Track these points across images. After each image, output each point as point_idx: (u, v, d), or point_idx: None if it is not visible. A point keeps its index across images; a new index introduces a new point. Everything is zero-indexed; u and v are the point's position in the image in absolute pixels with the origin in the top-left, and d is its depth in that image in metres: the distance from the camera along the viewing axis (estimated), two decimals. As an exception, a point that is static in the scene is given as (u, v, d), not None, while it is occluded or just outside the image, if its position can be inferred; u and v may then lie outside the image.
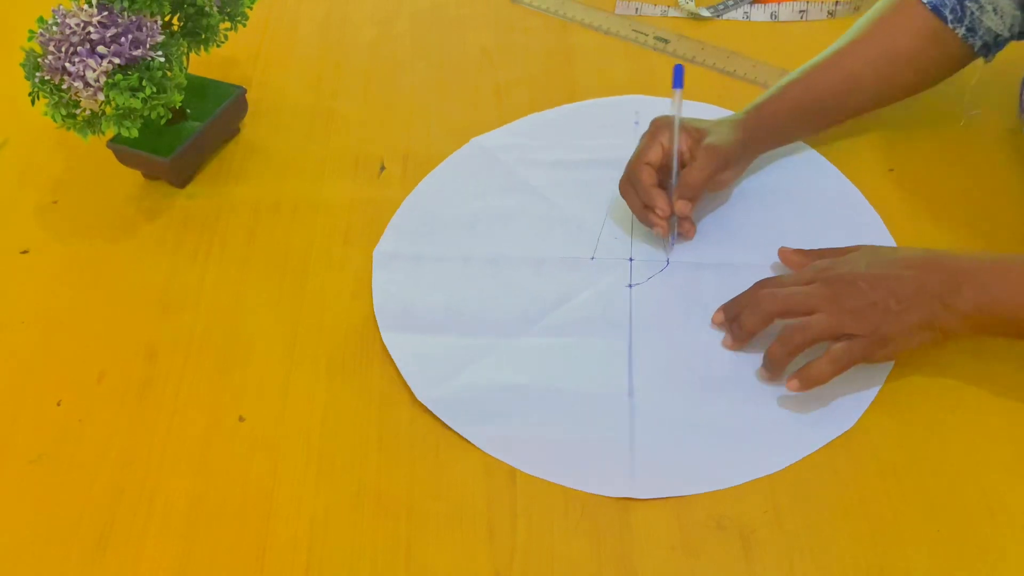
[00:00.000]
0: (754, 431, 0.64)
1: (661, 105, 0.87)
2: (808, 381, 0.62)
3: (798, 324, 0.63)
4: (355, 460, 0.64)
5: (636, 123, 0.85)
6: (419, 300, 0.73)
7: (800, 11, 0.97)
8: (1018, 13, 0.74)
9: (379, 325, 0.71)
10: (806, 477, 0.62)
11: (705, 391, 0.66)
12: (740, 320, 0.66)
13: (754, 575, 0.57)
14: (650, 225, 0.73)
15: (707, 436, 0.64)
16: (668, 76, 0.90)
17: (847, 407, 0.64)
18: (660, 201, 0.72)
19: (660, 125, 0.75)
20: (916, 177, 0.79)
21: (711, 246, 0.75)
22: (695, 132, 0.74)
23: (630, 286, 0.73)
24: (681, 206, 0.72)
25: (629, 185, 0.75)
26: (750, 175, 0.80)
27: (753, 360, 0.67)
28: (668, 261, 0.74)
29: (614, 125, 0.85)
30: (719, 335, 0.69)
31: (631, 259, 0.75)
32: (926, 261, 0.63)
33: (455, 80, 0.93)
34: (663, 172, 0.74)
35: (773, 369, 0.64)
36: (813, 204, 0.78)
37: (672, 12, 0.98)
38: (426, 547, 0.60)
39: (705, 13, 0.97)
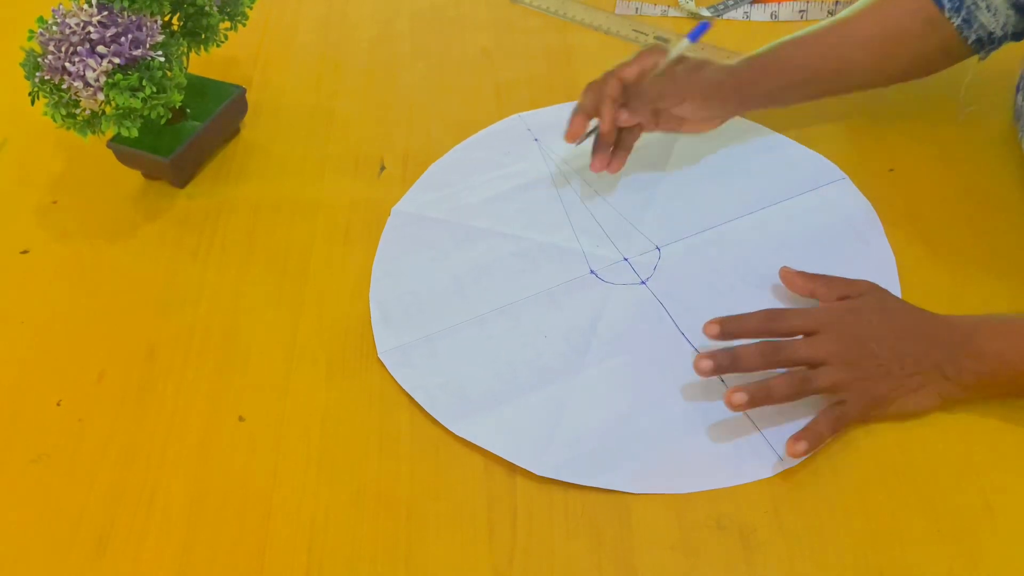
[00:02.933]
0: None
1: (543, 115, 0.87)
2: (814, 442, 0.61)
3: (812, 375, 0.62)
4: (355, 460, 0.64)
5: (535, 139, 0.85)
6: (463, 382, 0.68)
7: (800, 11, 0.97)
8: (1011, 12, 0.74)
9: (444, 424, 0.66)
10: (806, 477, 0.61)
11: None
12: (738, 357, 0.63)
13: (754, 575, 0.57)
14: (569, 122, 0.76)
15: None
16: (668, 76, 0.91)
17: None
18: (606, 111, 0.74)
19: (652, 49, 0.76)
20: (916, 177, 0.79)
21: (684, 220, 0.77)
22: (675, 64, 0.75)
23: (643, 283, 0.73)
24: (620, 113, 0.74)
25: (591, 89, 0.76)
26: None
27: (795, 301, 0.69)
28: (658, 248, 0.75)
29: (515, 147, 0.85)
30: (749, 293, 0.70)
31: (626, 259, 0.75)
32: (933, 327, 0.63)
33: (455, 80, 0.93)
34: (631, 93, 0.75)
35: (760, 401, 0.62)
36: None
37: (672, 12, 0.98)
38: (426, 547, 0.60)
39: (705, 13, 0.97)
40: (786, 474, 0.62)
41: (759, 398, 0.61)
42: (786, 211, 0.77)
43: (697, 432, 0.64)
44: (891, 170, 0.80)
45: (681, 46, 0.76)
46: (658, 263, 0.74)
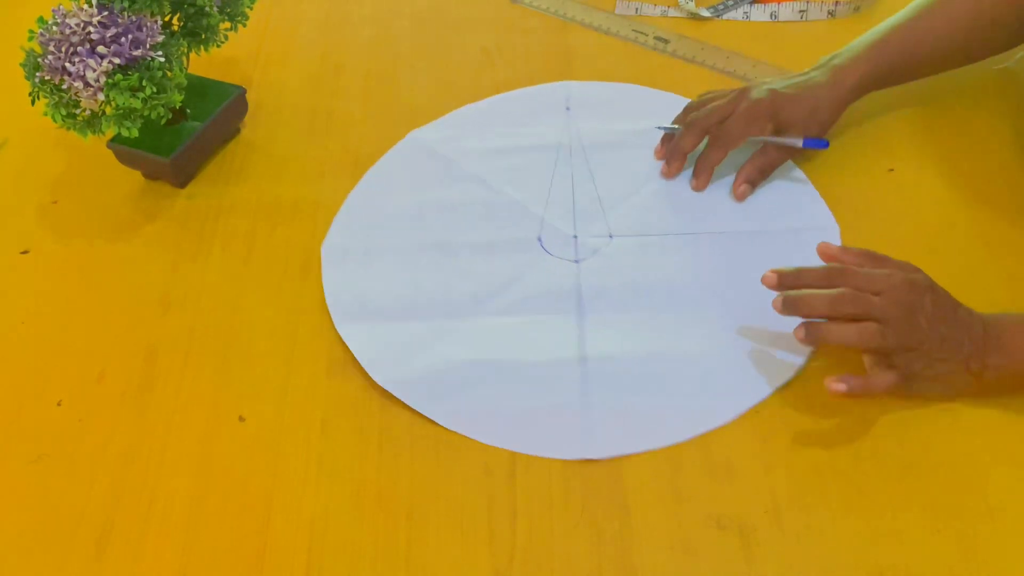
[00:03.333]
0: (705, 384, 0.67)
1: (590, 88, 0.90)
2: (858, 388, 0.62)
3: (880, 330, 0.62)
4: (355, 460, 0.64)
5: (567, 108, 0.88)
6: (371, 290, 0.74)
7: (800, 11, 0.97)
8: None
9: (332, 317, 0.72)
10: (806, 477, 0.62)
11: (654, 353, 0.69)
12: (808, 301, 0.63)
13: (754, 575, 0.57)
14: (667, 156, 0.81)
15: (659, 393, 0.66)
16: (669, 76, 0.91)
17: (792, 349, 0.67)
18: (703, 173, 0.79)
19: (758, 116, 0.78)
20: (916, 177, 0.79)
21: (652, 219, 0.78)
22: (778, 125, 0.78)
23: (576, 262, 0.75)
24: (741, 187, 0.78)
25: (693, 126, 0.79)
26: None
27: (701, 322, 0.70)
28: (611, 236, 0.76)
29: (545, 111, 0.88)
30: (666, 303, 0.72)
31: (575, 236, 0.77)
32: (967, 322, 0.63)
33: (455, 80, 0.93)
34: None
35: (802, 311, 0.63)
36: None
37: (672, 12, 0.98)
38: (426, 547, 0.60)
39: (705, 13, 0.97)
40: (786, 474, 0.62)
41: (818, 336, 0.63)
42: (756, 240, 0.76)
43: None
44: (891, 170, 0.80)
45: (792, 142, 0.78)
46: (601, 249, 0.76)
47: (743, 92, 0.79)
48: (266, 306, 0.74)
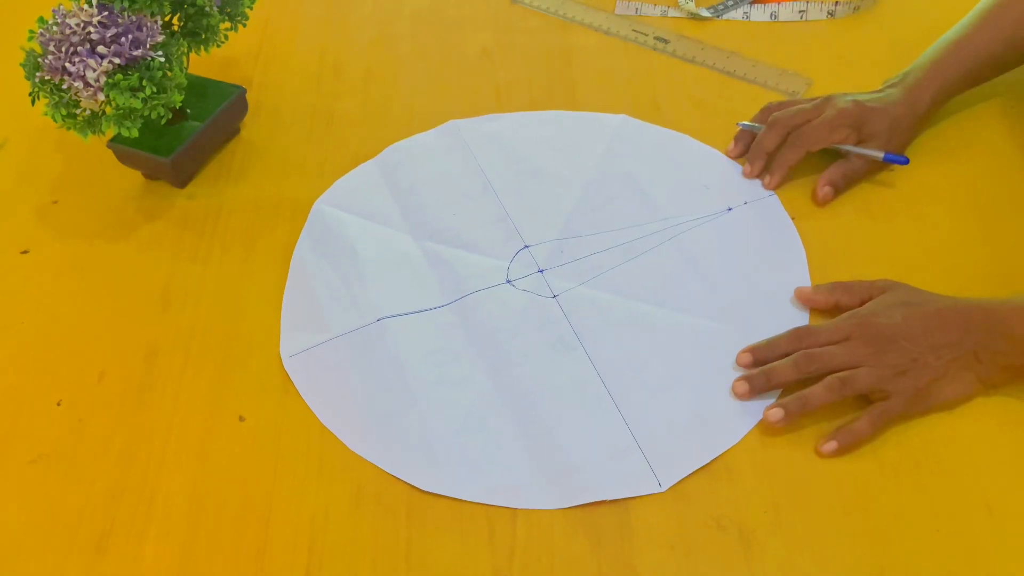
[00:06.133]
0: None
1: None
2: (848, 445, 0.62)
3: (844, 377, 0.62)
4: (355, 460, 0.64)
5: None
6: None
7: (800, 11, 0.97)
8: None
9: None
10: (806, 477, 0.62)
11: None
12: (772, 373, 0.64)
13: (754, 575, 0.57)
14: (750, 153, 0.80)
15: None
16: (669, 76, 0.91)
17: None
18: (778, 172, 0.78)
19: (841, 122, 0.77)
20: (916, 177, 0.79)
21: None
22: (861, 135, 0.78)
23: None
24: (825, 194, 0.77)
25: (774, 127, 0.79)
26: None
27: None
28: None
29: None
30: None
31: (541, 271, 0.74)
32: (962, 314, 0.63)
33: (455, 80, 0.93)
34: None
35: (797, 413, 0.63)
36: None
37: (672, 12, 0.98)
38: (426, 547, 0.60)
39: (705, 13, 0.97)
40: (786, 474, 0.62)
41: (796, 410, 0.63)
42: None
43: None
44: (890, 170, 0.80)
45: (874, 153, 0.77)
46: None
47: (828, 100, 0.79)
48: (266, 306, 0.74)
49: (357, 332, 0.71)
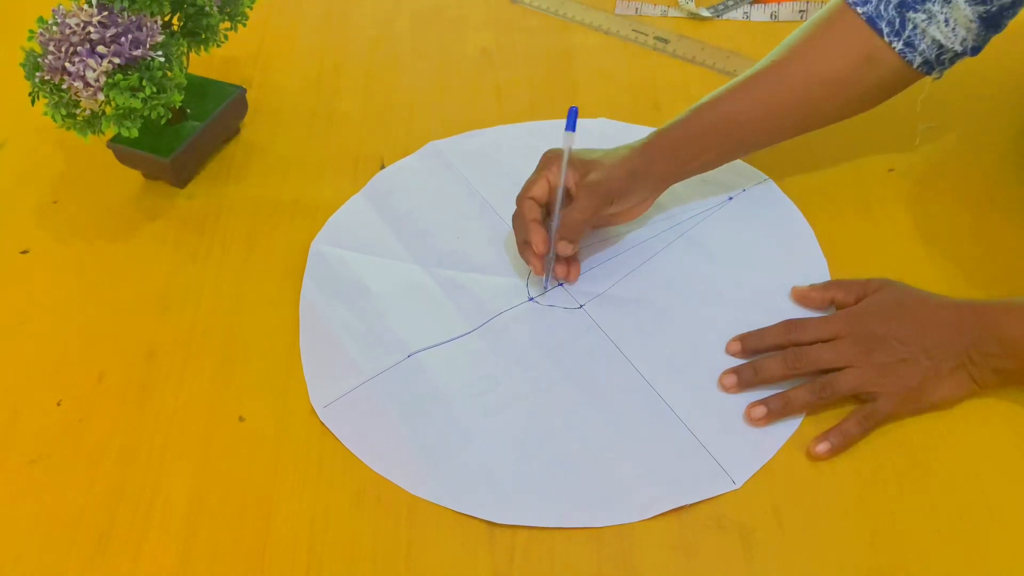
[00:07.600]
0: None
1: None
2: (839, 445, 0.61)
3: (825, 381, 0.62)
4: (355, 460, 0.64)
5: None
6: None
7: (800, 11, 0.97)
8: (974, 25, 0.67)
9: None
10: (806, 477, 0.62)
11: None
12: (761, 368, 0.64)
13: (754, 575, 0.57)
14: (526, 261, 0.71)
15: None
16: (668, 76, 0.91)
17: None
18: (536, 238, 0.69)
19: (549, 158, 0.71)
20: (916, 177, 0.79)
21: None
22: (582, 167, 0.70)
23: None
24: (561, 247, 0.69)
25: (514, 219, 0.71)
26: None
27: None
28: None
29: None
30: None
31: (561, 284, 0.73)
32: (956, 314, 0.63)
33: (455, 80, 0.93)
34: (551, 207, 0.71)
35: (780, 413, 0.63)
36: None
37: (672, 12, 0.98)
38: (426, 547, 0.60)
39: (705, 13, 0.97)
40: (786, 474, 0.62)
41: (778, 410, 0.63)
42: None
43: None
44: (891, 170, 0.80)
45: (567, 145, 0.69)
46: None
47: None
48: (266, 306, 0.74)
49: (391, 371, 0.68)
